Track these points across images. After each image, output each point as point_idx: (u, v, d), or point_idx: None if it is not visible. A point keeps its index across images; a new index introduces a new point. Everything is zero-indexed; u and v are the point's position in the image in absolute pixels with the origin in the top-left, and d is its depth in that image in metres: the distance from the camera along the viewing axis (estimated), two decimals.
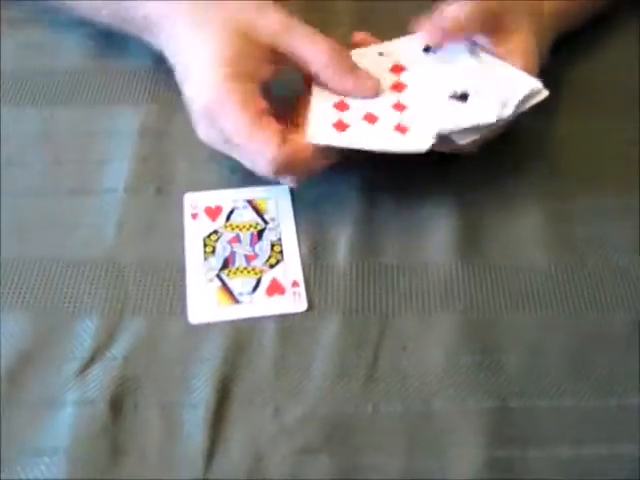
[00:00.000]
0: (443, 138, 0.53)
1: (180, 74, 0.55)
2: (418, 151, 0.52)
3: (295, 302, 0.52)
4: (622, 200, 0.58)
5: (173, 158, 0.60)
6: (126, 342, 0.51)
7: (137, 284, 0.53)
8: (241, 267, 0.54)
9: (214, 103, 0.51)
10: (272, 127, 0.51)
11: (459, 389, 0.49)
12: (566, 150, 0.62)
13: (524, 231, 0.57)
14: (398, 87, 0.56)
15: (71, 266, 0.54)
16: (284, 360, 0.50)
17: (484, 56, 0.57)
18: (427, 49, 0.57)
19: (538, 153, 0.61)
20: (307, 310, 0.52)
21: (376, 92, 0.55)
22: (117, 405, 0.48)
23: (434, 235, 0.56)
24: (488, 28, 0.57)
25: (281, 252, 0.54)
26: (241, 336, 0.51)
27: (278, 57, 0.54)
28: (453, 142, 0.54)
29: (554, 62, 0.60)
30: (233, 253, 0.54)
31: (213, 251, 0.54)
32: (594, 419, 0.48)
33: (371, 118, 0.54)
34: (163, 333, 0.51)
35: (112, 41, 0.67)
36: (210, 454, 0.46)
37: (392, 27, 0.60)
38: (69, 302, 0.52)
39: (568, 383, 0.50)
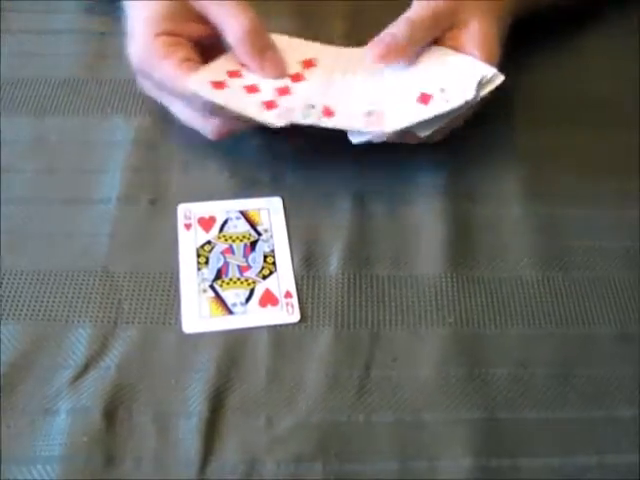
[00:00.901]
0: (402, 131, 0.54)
1: (127, 36, 0.58)
2: (268, 124, 0.54)
3: (288, 313, 0.52)
4: (610, 212, 0.59)
5: (166, 169, 0.60)
6: (119, 351, 0.51)
7: (130, 294, 0.54)
8: (234, 278, 0.54)
9: (143, 57, 0.56)
10: (194, 70, 0.55)
11: (449, 400, 0.50)
12: (555, 161, 0.63)
13: (513, 242, 0.58)
14: (295, 77, 0.58)
15: (64, 275, 0.54)
16: (277, 371, 0.50)
17: (433, 49, 0.59)
18: None
19: (527, 163, 0.62)
20: (300, 321, 0.52)
21: (276, 78, 0.58)
22: (111, 413, 0.48)
23: (425, 246, 0.57)
24: (443, 28, 0.59)
25: (274, 263, 0.55)
26: (234, 346, 0.51)
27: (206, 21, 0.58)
28: (414, 134, 0.55)
29: (542, 72, 0.63)
30: (226, 264, 0.55)
31: (207, 262, 0.55)
32: (582, 430, 0.49)
33: (250, 89, 0.56)
34: (156, 342, 0.51)
35: (106, 51, 0.68)
36: (204, 463, 0.47)
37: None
38: (62, 311, 0.53)
39: (556, 395, 0.50)
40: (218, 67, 0.57)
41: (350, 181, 0.60)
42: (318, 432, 0.48)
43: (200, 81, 0.54)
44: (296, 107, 0.55)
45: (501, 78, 0.56)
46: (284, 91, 0.57)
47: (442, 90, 0.56)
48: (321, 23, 0.69)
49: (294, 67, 0.59)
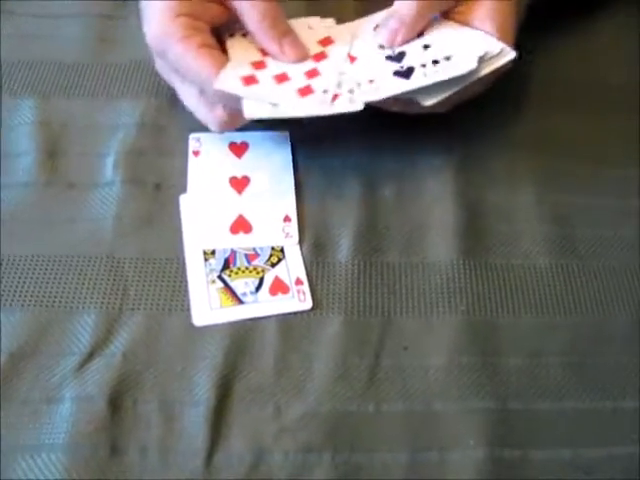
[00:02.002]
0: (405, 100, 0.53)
1: (141, 15, 0.56)
2: (322, 113, 0.53)
3: (300, 300, 0.51)
4: (625, 200, 0.58)
5: (172, 153, 0.59)
6: (125, 338, 0.50)
7: (136, 279, 0.53)
8: (242, 267, 0.53)
9: (161, 36, 0.54)
10: (216, 59, 0.53)
11: (460, 390, 0.49)
12: (570, 147, 0.61)
13: (525, 228, 0.57)
14: (318, 57, 0.57)
15: (68, 261, 0.53)
16: (285, 359, 0.50)
17: (442, 22, 0.58)
18: None
19: (540, 148, 0.61)
20: (309, 309, 0.51)
21: (299, 61, 0.56)
22: (116, 402, 0.47)
23: (436, 231, 0.56)
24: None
25: (282, 250, 0.54)
26: (242, 334, 0.50)
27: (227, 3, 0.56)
28: (417, 104, 0.54)
29: (558, 55, 0.62)
30: (233, 253, 0.54)
31: (213, 252, 0.54)
32: (594, 422, 0.48)
33: (280, 78, 0.55)
34: (163, 329, 0.50)
35: (112, 35, 0.66)
36: (210, 452, 0.46)
37: None
38: (67, 298, 0.52)
39: (569, 385, 0.50)
40: (240, 59, 0.55)
41: (360, 165, 0.58)
42: (327, 422, 0.47)
43: (230, 78, 0.53)
44: (330, 85, 0.54)
45: (512, 54, 0.55)
46: (313, 73, 0.55)
47: (447, 58, 0.55)
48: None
49: (313, 48, 0.57)
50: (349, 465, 0.46)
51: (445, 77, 0.53)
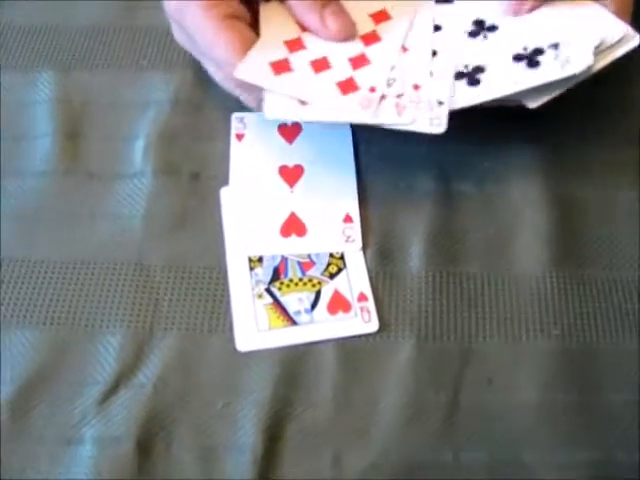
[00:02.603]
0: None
1: None
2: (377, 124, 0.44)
3: (364, 320, 0.44)
4: None
5: (211, 136, 0.52)
6: (156, 365, 0.43)
7: (169, 292, 0.46)
8: (295, 278, 0.45)
9: (179, 2, 0.47)
10: (239, 34, 0.46)
11: (556, 436, 0.41)
12: None
13: (629, 234, 0.48)
14: (368, 39, 0.48)
15: (90, 269, 0.46)
16: (346, 394, 0.42)
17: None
18: None
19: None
20: (375, 332, 0.44)
21: (344, 38, 0.48)
22: (146, 445, 0.41)
23: (524, 238, 0.48)
24: None
25: (342, 258, 0.46)
26: (295, 362, 0.43)
27: None
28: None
29: None
30: (284, 260, 0.46)
31: (260, 259, 0.46)
32: None
33: (319, 65, 0.46)
34: (201, 355, 0.44)
35: None
36: None
37: None
38: (88, 314, 0.45)
39: None
40: (272, 37, 0.47)
41: (434, 156, 0.50)
42: (396, 474, 0.40)
43: (256, 65, 0.45)
44: (378, 85, 0.45)
45: (636, 40, 0.47)
46: (360, 61, 0.47)
47: (556, 47, 0.46)
48: None
49: (364, 24, 0.48)
50: None
51: (559, 77, 0.45)
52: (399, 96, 0.45)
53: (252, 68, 0.45)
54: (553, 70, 0.45)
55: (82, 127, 0.52)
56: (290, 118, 0.45)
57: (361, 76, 0.46)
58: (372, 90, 0.45)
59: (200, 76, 0.53)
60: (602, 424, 0.42)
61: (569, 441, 0.41)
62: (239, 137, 0.50)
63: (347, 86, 0.45)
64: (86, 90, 0.54)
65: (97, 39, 0.56)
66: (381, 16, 0.49)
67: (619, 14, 0.47)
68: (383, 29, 0.49)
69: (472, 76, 0.46)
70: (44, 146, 0.51)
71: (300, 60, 0.46)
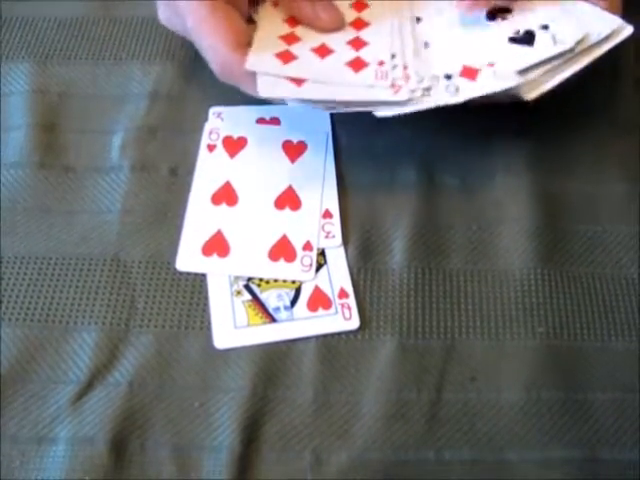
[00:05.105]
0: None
1: None
2: (395, 100, 0.44)
3: (344, 318, 0.43)
4: None
5: (190, 130, 0.50)
6: (132, 363, 0.43)
7: (146, 288, 0.45)
8: None
9: None
10: (230, 20, 0.46)
11: (539, 434, 0.41)
12: None
13: (616, 229, 0.47)
14: (357, 24, 0.49)
15: (65, 263, 0.46)
16: (327, 392, 0.42)
17: None
18: None
19: (633, 134, 0.51)
20: (357, 328, 0.43)
21: (336, 27, 0.49)
22: (120, 445, 0.40)
23: (509, 232, 0.47)
24: None
25: (323, 253, 0.45)
26: (274, 360, 0.42)
27: None
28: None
29: None
30: None
31: None
32: None
33: (321, 51, 0.47)
34: (177, 353, 0.43)
35: None
36: None
37: None
38: (63, 310, 0.44)
39: None
40: (267, 33, 0.47)
41: (415, 152, 0.49)
42: (377, 473, 0.40)
43: (264, 56, 0.45)
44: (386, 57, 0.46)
45: (629, 30, 0.46)
46: (358, 43, 0.47)
47: (546, 28, 0.47)
48: None
49: (348, 13, 0.50)
50: None
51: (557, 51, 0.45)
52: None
53: (260, 60, 0.45)
54: (545, 47, 0.46)
55: (59, 119, 0.51)
56: (286, 96, 0.44)
57: (366, 54, 0.46)
58: (381, 64, 0.45)
59: (180, 68, 0.53)
60: (586, 422, 0.41)
61: (553, 439, 0.41)
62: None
63: (358, 64, 0.45)
64: (63, 82, 0.53)
65: (75, 31, 0.56)
66: (361, 5, 0.50)
67: (610, 10, 0.47)
68: (366, 15, 0.50)
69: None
70: (19, 138, 0.50)
71: (301, 50, 0.47)
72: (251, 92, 0.45)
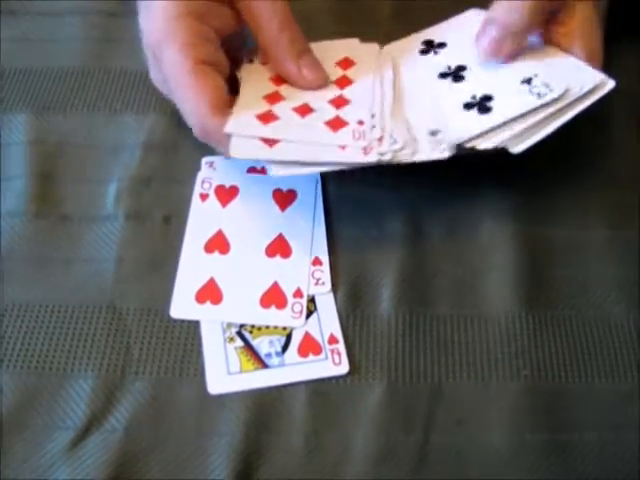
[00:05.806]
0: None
1: (138, 6, 0.50)
2: (365, 163, 0.45)
3: (334, 363, 0.44)
4: None
5: (183, 179, 0.51)
6: (127, 410, 0.43)
7: (141, 336, 0.45)
8: None
9: (159, 40, 0.47)
10: (211, 84, 0.46)
11: (526, 476, 0.41)
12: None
13: (599, 273, 0.48)
14: (341, 82, 0.50)
15: (62, 312, 0.46)
16: (318, 437, 0.42)
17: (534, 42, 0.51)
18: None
19: (619, 184, 0.53)
20: (347, 374, 0.44)
21: (319, 86, 0.49)
22: None
23: (494, 279, 0.48)
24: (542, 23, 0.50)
25: (313, 300, 0.46)
26: (266, 405, 0.43)
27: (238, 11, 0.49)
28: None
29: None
30: None
31: None
32: None
33: (302, 110, 0.47)
34: (172, 399, 0.43)
35: (117, 35, 0.59)
36: None
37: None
38: (59, 358, 0.44)
39: None
40: (251, 95, 0.48)
41: (402, 202, 0.50)
42: None
43: (243, 121, 0.45)
44: (365, 117, 0.47)
45: (611, 84, 0.48)
46: (340, 102, 0.48)
47: (529, 82, 0.48)
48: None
49: (333, 71, 0.50)
50: None
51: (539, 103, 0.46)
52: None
53: (240, 122, 0.45)
54: (528, 101, 0.46)
55: (56, 169, 0.52)
56: (257, 158, 0.45)
57: (347, 113, 0.47)
58: (361, 123, 0.46)
59: (173, 119, 0.53)
60: (573, 464, 0.42)
61: None
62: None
63: (336, 123, 0.46)
64: (60, 132, 0.53)
65: (71, 82, 0.56)
66: (347, 63, 0.51)
67: (590, 62, 0.48)
68: (351, 73, 0.50)
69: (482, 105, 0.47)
70: (17, 187, 0.51)
71: (283, 109, 0.47)
72: (228, 154, 0.46)
